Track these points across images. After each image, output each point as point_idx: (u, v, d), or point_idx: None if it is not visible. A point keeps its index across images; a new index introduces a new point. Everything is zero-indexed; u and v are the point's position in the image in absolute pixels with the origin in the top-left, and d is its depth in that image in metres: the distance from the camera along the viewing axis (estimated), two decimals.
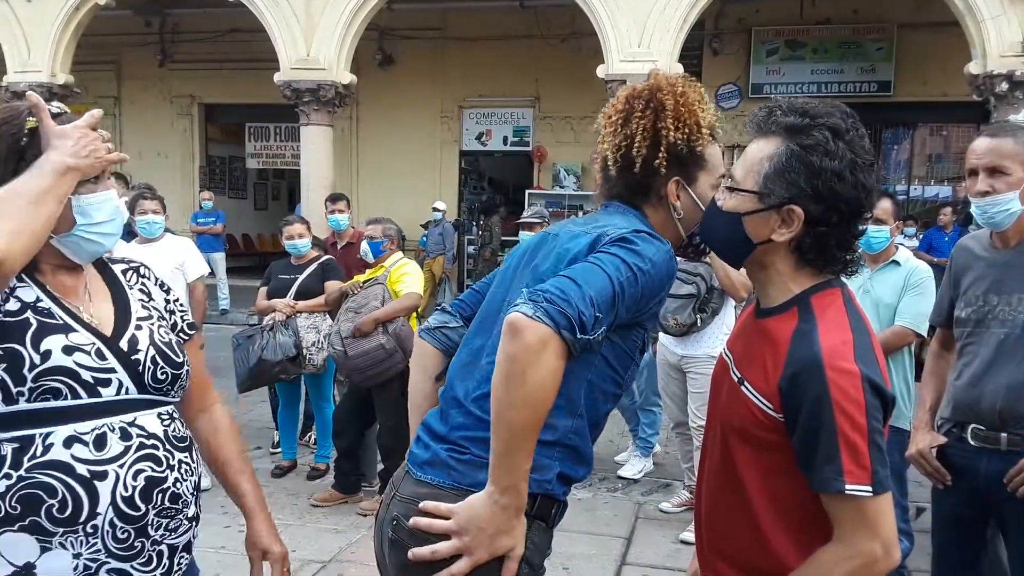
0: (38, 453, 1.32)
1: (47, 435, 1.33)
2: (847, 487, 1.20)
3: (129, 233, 5.02)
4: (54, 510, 1.32)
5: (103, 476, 1.36)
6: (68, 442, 1.35)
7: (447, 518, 1.36)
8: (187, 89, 14.72)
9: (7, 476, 1.30)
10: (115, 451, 1.38)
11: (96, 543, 1.36)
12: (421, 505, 1.39)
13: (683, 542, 3.93)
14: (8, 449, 1.31)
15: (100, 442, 1.37)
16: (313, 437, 5.21)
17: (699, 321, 4.01)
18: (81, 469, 1.34)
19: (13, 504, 1.30)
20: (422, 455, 1.50)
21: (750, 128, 1.40)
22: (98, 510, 1.35)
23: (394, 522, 1.45)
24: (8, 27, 11.37)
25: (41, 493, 1.31)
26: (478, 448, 1.39)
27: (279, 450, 5.14)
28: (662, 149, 1.49)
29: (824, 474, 1.22)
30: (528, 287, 1.37)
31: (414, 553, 1.37)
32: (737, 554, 1.39)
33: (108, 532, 1.37)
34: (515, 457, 1.30)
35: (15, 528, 1.30)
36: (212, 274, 8.43)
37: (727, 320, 4.10)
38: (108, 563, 1.38)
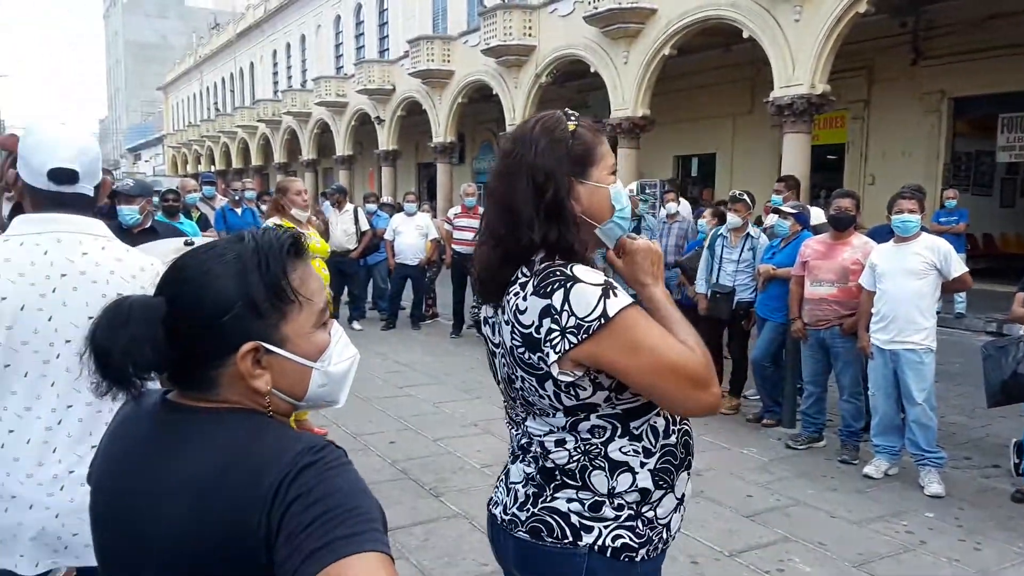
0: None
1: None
2: None
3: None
4: (692, 448, 1.68)
5: None
6: None
7: None
8: (936, 85, 14.29)
9: (674, 432, 1.58)
10: None
11: None
12: None
13: None
14: (659, 421, 1.60)
15: None
16: None
17: None
18: None
19: (680, 448, 1.60)
20: None
21: None
22: None
23: None
24: (777, 47, 12.89)
25: (688, 438, 1.63)
26: None
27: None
28: None
29: None
30: None
31: None
32: None
33: None
34: None
35: (684, 468, 1.60)
36: None
37: None
38: None
